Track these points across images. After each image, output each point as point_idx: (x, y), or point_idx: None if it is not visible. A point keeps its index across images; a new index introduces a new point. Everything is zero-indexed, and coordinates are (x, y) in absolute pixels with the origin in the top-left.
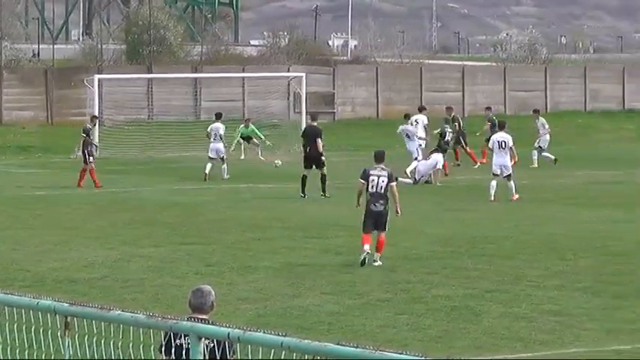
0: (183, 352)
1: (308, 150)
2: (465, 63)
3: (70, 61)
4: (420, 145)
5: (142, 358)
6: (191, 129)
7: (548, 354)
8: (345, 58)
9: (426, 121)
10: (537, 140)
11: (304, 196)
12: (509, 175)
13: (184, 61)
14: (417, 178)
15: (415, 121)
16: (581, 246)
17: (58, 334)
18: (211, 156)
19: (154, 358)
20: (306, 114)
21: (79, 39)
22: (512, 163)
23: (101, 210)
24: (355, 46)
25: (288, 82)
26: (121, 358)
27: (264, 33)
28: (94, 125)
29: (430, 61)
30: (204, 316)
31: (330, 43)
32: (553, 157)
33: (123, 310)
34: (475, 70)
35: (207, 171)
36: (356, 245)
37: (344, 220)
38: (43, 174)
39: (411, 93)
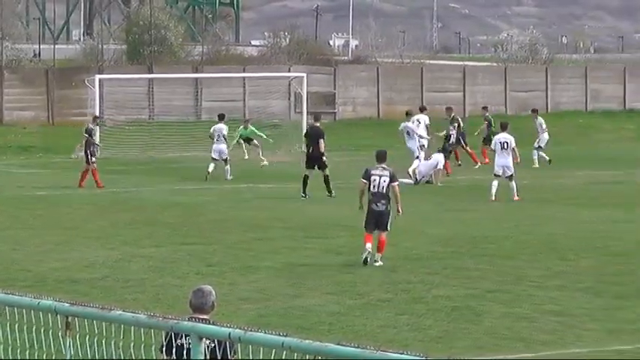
0: (184, 352)
1: (310, 150)
2: (466, 63)
3: (71, 61)
4: (424, 145)
5: (143, 358)
6: (192, 129)
7: (550, 354)
8: (346, 58)
9: (427, 121)
10: (537, 140)
11: (305, 197)
12: (511, 175)
13: (185, 61)
14: (417, 179)
15: (417, 120)
16: (582, 246)
17: (59, 334)
18: (214, 157)
19: (154, 358)
20: (308, 114)
21: (79, 39)
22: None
23: (102, 210)
24: (356, 46)
25: (289, 82)
26: (122, 358)
27: (265, 33)
28: (97, 125)
29: (431, 61)
30: (205, 316)
31: (331, 43)
32: (548, 158)
33: (124, 310)
34: (476, 70)
35: (209, 170)
36: (357, 245)
37: (345, 220)
38: (44, 174)
39: (412, 93)
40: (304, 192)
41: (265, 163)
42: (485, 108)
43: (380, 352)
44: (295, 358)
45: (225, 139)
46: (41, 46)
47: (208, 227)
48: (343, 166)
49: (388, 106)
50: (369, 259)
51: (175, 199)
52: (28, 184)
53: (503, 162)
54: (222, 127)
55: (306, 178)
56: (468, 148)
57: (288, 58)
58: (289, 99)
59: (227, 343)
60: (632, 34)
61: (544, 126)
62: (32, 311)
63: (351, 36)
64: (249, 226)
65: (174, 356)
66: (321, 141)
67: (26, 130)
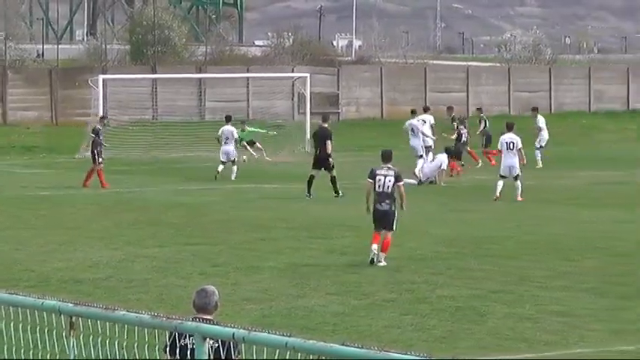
0: (188, 353)
1: (318, 152)
2: (469, 63)
3: (75, 61)
4: (430, 146)
5: (147, 358)
6: (195, 129)
7: (553, 355)
8: (349, 58)
9: (432, 121)
10: (538, 139)
11: (309, 197)
12: (517, 175)
13: (189, 62)
14: (422, 180)
15: (422, 120)
16: (585, 247)
17: (63, 334)
18: (223, 159)
19: (158, 358)
20: (311, 114)
21: (83, 39)
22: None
23: (106, 210)
24: (359, 46)
25: (293, 82)
26: (126, 358)
27: (269, 33)
28: (103, 126)
29: (434, 62)
30: (208, 317)
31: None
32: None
33: (127, 311)
34: (479, 70)
35: (219, 170)
36: (361, 246)
37: (349, 220)
38: (48, 174)
39: (416, 93)
40: (309, 192)
41: (245, 158)
42: (479, 109)
43: (384, 352)
44: (299, 358)
45: (235, 141)
46: (45, 47)
47: (212, 227)
48: (348, 167)
49: (391, 106)
50: (375, 260)
51: (179, 200)
52: (31, 184)
53: (510, 162)
54: (232, 130)
55: (311, 179)
56: (468, 147)
57: (292, 59)
58: (293, 99)
59: (231, 343)
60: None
61: (544, 125)
62: (36, 311)
63: (354, 36)
64: (252, 226)
65: (178, 356)
66: (328, 142)
67: (30, 130)
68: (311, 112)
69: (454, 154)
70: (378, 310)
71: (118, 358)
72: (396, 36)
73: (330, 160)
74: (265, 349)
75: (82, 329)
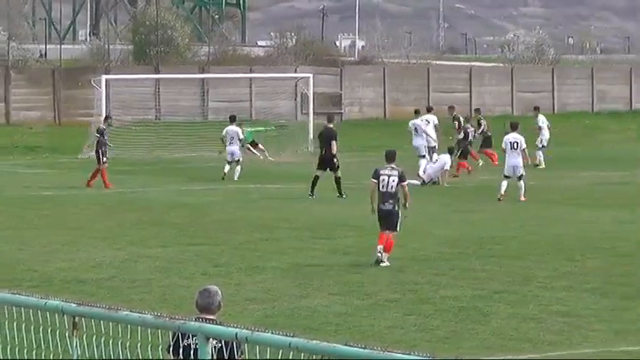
0: (191, 353)
1: (323, 152)
2: (473, 64)
3: (78, 61)
4: (434, 147)
5: (150, 358)
6: (198, 129)
7: (557, 355)
8: (352, 58)
9: (436, 121)
10: (539, 139)
11: (312, 196)
12: (521, 175)
13: (191, 62)
14: (425, 181)
15: (426, 120)
16: (588, 247)
17: (66, 334)
18: (229, 160)
19: (161, 358)
20: (314, 115)
21: (86, 39)
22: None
23: (109, 210)
24: (362, 46)
25: (296, 82)
26: (129, 358)
27: (272, 33)
28: (108, 126)
29: (437, 62)
30: (211, 317)
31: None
32: (538, 162)
33: (131, 311)
34: (482, 70)
35: (225, 171)
36: (364, 246)
37: (352, 220)
38: (51, 174)
39: (419, 94)
40: (312, 192)
41: (219, 151)
42: (477, 110)
43: (387, 352)
44: (302, 358)
45: (240, 140)
46: (47, 47)
47: (215, 228)
48: (351, 167)
49: (394, 106)
50: (381, 261)
51: (182, 200)
52: (34, 184)
53: (514, 162)
54: (237, 130)
55: (316, 179)
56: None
57: (295, 59)
58: (296, 100)
59: (234, 343)
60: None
61: (544, 124)
62: (39, 311)
63: (357, 37)
64: (255, 226)
65: (181, 356)
66: (333, 143)
67: (33, 130)
68: (314, 113)
69: (463, 153)
70: (381, 311)
71: (121, 358)
72: (399, 36)
73: (335, 160)
74: (268, 349)
75: (85, 329)
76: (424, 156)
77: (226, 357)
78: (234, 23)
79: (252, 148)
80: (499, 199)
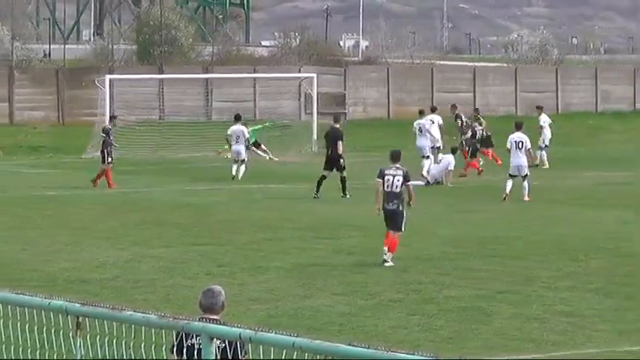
0: (195, 353)
1: (329, 152)
2: (476, 64)
3: (81, 61)
4: (439, 147)
5: (154, 358)
6: (202, 129)
7: (560, 355)
8: (356, 58)
9: (441, 121)
10: (541, 139)
11: (317, 196)
12: (526, 175)
13: (195, 62)
14: (429, 181)
15: (430, 120)
16: (592, 247)
17: (70, 334)
18: (235, 159)
19: (165, 358)
20: (318, 114)
21: (90, 39)
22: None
23: (112, 210)
24: (366, 46)
25: (300, 82)
26: (133, 358)
27: (275, 33)
28: (114, 125)
29: (441, 62)
30: (215, 317)
31: (341, 43)
32: (537, 163)
33: (134, 311)
34: (486, 70)
35: (234, 172)
36: (368, 246)
37: (356, 220)
38: (54, 174)
39: (422, 94)
40: (317, 191)
41: (227, 155)
42: (476, 110)
43: (391, 352)
44: (306, 358)
45: (247, 140)
46: (51, 46)
47: (218, 228)
48: (356, 167)
49: (398, 106)
50: (385, 261)
51: (186, 200)
52: (38, 184)
53: (518, 161)
54: (242, 129)
55: (322, 179)
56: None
57: (299, 59)
58: (300, 100)
59: (237, 343)
60: None
61: (546, 123)
62: (43, 311)
63: (361, 37)
64: (259, 226)
65: (184, 356)
66: (340, 143)
67: (36, 130)
68: (318, 113)
69: (472, 152)
70: (385, 311)
71: (124, 358)
72: (403, 36)
73: (342, 160)
74: (272, 349)
75: (88, 329)
76: (428, 157)
77: (230, 357)
78: (238, 23)
79: (256, 149)
80: (504, 199)
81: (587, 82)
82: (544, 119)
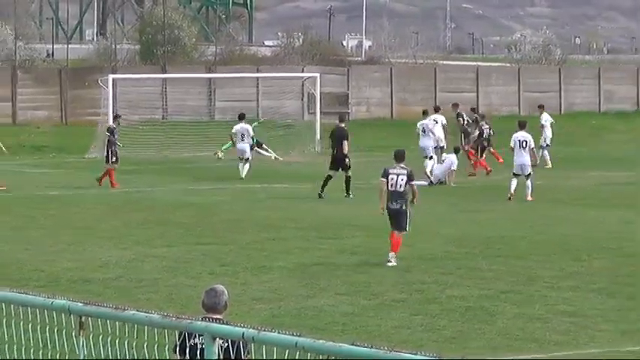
0: (198, 352)
1: (335, 152)
2: (479, 64)
3: (84, 61)
4: (443, 147)
5: (157, 358)
6: (205, 129)
7: (563, 355)
8: (359, 58)
9: (444, 121)
10: (542, 138)
11: (321, 196)
12: (529, 174)
13: (198, 62)
14: (433, 182)
15: (434, 120)
16: (595, 247)
17: (73, 333)
18: (240, 157)
19: (168, 358)
20: (321, 114)
21: (93, 39)
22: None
23: (115, 210)
24: (369, 46)
25: (303, 82)
26: (136, 358)
27: (279, 33)
28: (118, 124)
29: (444, 62)
30: (218, 316)
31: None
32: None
33: (137, 310)
34: (489, 70)
35: (242, 173)
36: (371, 246)
37: (359, 220)
38: (57, 174)
39: (426, 94)
40: (322, 191)
41: (220, 154)
42: (473, 109)
43: (394, 352)
44: (309, 358)
45: (253, 138)
46: (54, 46)
47: (221, 227)
48: (360, 167)
49: (402, 106)
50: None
51: (188, 199)
52: (41, 184)
53: (521, 160)
54: (247, 127)
55: (328, 179)
56: (466, 146)
57: (302, 59)
58: (302, 99)
59: (240, 342)
60: None
61: (547, 123)
62: (46, 311)
63: (364, 36)
64: (262, 226)
65: (187, 356)
66: (345, 142)
67: (39, 130)
68: (321, 112)
69: (481, 151)
70: (388, 311)
71: (127, 357)
72: (406, 36)
73: (347, 160)
74: (275, 348)
75: (91, 329)
76: (431, 157)
77: (233, 357)
78: (241, 23)
79: (259, 150)
80: (509, 199)
81: (590, 82)
82: (545, 118)
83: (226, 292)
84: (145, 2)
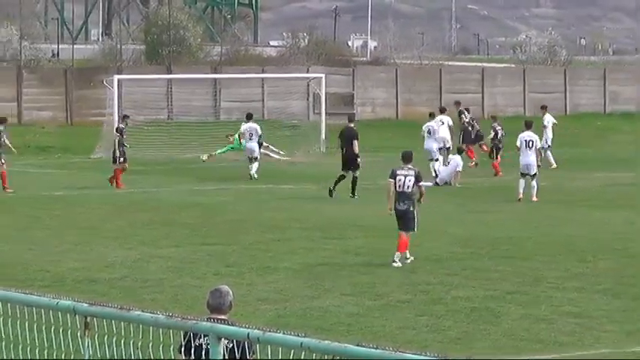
0: (203, 353)
1: (344, 152)
2: (485, 64)
3: (90, 61)
4: (449, 148)
5: (162, 358)
6: (211, 129)
7: (568, 356)
8: (364, 59)
9: (450, 122)
10: (544, 139)
11: (332, 192)
12: (535, 175)
13: (204, 62)
14: (438, 183)
15: (440, 121)
16: (600, 248)
17: (78, 334)
18: (249, 156)
19: (173, 358)
20: (326, 114)
21: (98, 39)
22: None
23: (120, 210)
24: (375, 47)
25: (308, 82)
26: (141, 358)
27: (284, 34)
28: (126, 125)
29: (450, 63)
30: (222, 317)
31: (350, 44)
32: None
33: (143, 311)
34: (495, 71)
35: (252, 174)
36: (376, 246)
37: (364, 220)
38: (62, 174)
39: (431, 94)
40: (334, 188)
41: (204, 156)
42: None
43: (399, 352)
44: (314, 358)
45: (260, 137)
46: (60, 46)
47: (226, 228)
48: (366, 167)
49: (407, 107)
50: (406, 260)
51: (194, 200)
52: (46, 185)
53: (527, 160)
54: (255, 127)
55: (340, 178)
56: (466, 146)
57: (307, 59)
58: (308, 100)
59: (246, 343)
60: None
61: (549, 123)
62: (51, 311)
63: (369, 37)
64: (267, 226)
65: (192, 356)
66: (355, 142)
67: (45, 130)
68: (326, 113)
69: (496, 153)
70: (393, 311)
71: (132, 358)
72: (412, 37)
73: (358, 159)
74: (280, 349)
75: (97, 329)
76: (437, 159)
77: (238, 357)
78: (246, 23)
79: (265, 150)
80: (518, 200)
81: (595, 83)
82: (548, 119)
83: (231, 292)
84: (150, 2)
